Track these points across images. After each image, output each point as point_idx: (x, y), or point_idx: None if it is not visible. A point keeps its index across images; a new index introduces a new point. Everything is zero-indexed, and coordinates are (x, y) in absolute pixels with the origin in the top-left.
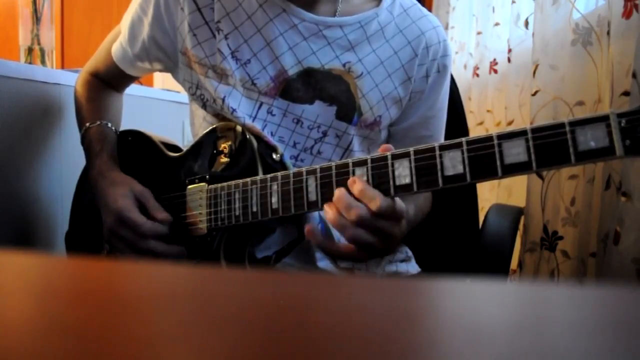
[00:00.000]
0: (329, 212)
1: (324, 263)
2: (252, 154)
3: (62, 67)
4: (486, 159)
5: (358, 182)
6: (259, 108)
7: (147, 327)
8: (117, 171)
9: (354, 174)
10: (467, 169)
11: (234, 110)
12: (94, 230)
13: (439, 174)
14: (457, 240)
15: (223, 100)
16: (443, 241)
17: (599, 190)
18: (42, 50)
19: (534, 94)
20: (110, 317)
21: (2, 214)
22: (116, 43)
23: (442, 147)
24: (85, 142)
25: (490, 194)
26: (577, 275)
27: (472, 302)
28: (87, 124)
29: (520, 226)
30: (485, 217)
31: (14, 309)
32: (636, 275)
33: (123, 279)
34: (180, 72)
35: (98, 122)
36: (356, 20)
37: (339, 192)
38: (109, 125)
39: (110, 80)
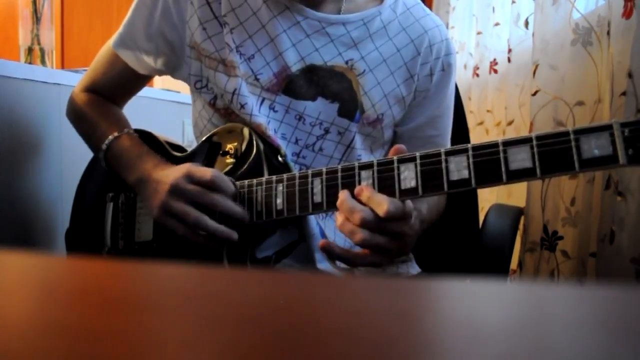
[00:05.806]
0: (338, 219)
1: (324, 265)
2: (259, 155)
3: (62, 67)
4: (491, 164)
5: (365, 190)
6: (262, 104)
7: (148, 327)
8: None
9: (359, 176)
10: (472, 174)
11: (242, 105)
12: (95, 228)
13: (444, 178)
14: (457, 240)
15: (232, 94)
16: (443, 241)
17: (599, 190)
18: (42, 50)
19: (534, 94)
20: (110, 317)
21: (2, 214)
22: (117, 38)
23: (448, 152)
24: (114, 151)
25: (490, 194)
26: (577, 275)
27: (472, 302)
28: (115, 134)
29: (520, 226)
30: (485, 217)
31: (13, 309)
32: (635, 275)
33: (123, 279)
34: (186, 67)
35: (126, 130)
36: (359, 17)
37: (341, 196)
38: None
39: (110, 92)
